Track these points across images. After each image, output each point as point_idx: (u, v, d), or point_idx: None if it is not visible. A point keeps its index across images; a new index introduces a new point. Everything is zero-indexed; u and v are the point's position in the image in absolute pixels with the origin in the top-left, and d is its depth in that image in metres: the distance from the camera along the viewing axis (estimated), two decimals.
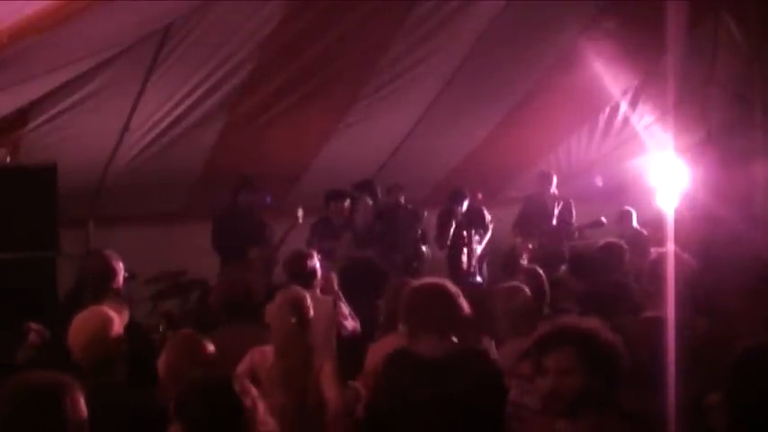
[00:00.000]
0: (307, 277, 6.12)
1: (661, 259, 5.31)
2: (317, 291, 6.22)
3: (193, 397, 3.18)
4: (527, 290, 5.47)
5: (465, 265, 9.93)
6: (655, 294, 5.01)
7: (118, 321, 4.27)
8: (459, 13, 8.71)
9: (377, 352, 4.81)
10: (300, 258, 6.31)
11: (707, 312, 4.83)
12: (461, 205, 10.16)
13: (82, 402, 2.97)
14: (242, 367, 4.74)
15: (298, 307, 4.82)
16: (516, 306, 5.36)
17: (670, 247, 5.39)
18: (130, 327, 4.78)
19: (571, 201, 10.67)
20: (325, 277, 6.60)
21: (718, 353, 3.73)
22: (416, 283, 4.39)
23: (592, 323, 3.32)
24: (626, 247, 6.96)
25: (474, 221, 10.30)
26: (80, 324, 4.22)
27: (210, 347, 4.29)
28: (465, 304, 4.24)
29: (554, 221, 10.44)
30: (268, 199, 9.21)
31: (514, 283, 5.66)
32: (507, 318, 5.38)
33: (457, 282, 4.98)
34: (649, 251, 6.26)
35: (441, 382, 3.95)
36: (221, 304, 5.75)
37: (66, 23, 5.93)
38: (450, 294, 4.22)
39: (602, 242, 7.24)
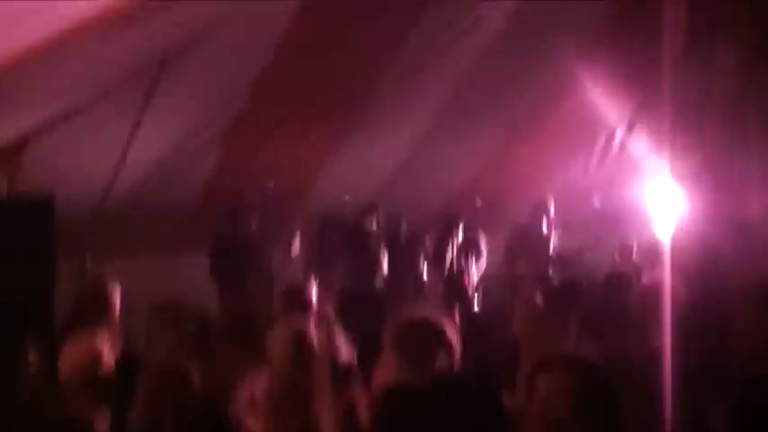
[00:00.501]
0: (302, 308, 6.12)
1: (648, 290, 5.28)
2: (311, 322, 6.19)
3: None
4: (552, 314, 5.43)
5: (462, 292, 9.91)
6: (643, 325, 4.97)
7: (108, 353, 4.24)
8: (458, 40, 8.74)
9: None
10: (296, 289, 6.30)
11: (707, 339, 4.81)
12: (456, 233, 10.17)
13: None
14: (243, 394, 4.73)
15: (301, 341, 4.79)
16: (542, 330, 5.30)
17: (666, 274, 5.38)
18: (126, 356, 4.76)
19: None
20: (321, 306, 6.58)
21: (721, 380, 3.72)
22: (406, 315, 4.42)
23: (587, 354, 3.32)
24: (632, 277, 6.90)
25: (470, 248, 10.30)
26: (69, 354, 4.22)
27: (191, 377, 4.24)
28: (454, 336, 4.25)
29: (551, 251, 10.45)
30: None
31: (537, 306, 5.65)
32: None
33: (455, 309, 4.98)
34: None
35: (440, 410, 3.92)
36: (222, 333, 5.74)
37: (63, 52, 5.95)
38: (439, 326, 4.23)
39: (606, 273, 7.18)
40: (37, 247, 7.34)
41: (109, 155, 8.40)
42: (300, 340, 4.78)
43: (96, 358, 4.16)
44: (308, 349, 4.79)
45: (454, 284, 10.05)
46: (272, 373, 4.76)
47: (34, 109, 7.13)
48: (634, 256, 10.34)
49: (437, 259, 10.24)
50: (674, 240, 8.10)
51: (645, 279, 6.11)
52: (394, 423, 4.05)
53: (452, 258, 10.15)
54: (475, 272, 10.19)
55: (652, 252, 8.78)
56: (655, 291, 5.27)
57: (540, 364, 3.26)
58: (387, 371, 4.70)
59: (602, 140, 11.29)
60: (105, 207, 9.05)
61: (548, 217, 10.58)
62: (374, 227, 9.51)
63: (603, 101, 10.03)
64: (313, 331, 6.01)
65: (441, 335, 4.21)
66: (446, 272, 10.18)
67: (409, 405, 4.04)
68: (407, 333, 4.24)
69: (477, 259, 10.31)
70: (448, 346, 4.21)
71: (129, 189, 8.93)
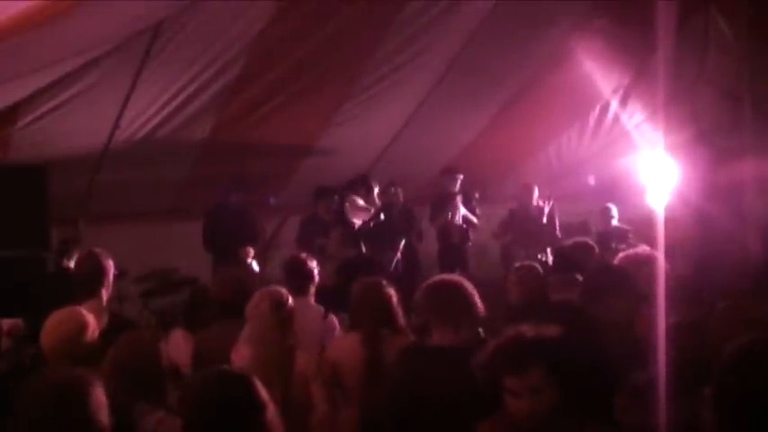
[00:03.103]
0: (302, 281, 6.15)
1: (626, 261, 5.22)
2: (311, 298, 6.19)
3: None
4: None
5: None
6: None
7: (93, 325, 4.21)
8: (448, 13, 8.70)
9: (336, 349, 4.91)
10: (298, 263, 6.33)
11: (697, 311, 4.81)
12: (456, 183, 10.21)
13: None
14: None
15: (277, 303, 4.80)
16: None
17: (660, 245, 5.38)
18: (119, 322, 4.75)
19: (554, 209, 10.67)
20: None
21: (708, 351, 3.72)
22: (434, 278, 4.49)
23: (550, 331, 3.30)
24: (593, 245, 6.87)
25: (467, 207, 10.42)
26: (53, 326, 4.15)
27: (164, 347, 4.24)
28: (479, 300, 4.33)
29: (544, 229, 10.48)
30: (271, 200, 9.21)
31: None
32: None
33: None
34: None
35: (460, 372, 3.93)
36: (215, 302, 5.75)
37: (54, 22, 5.90)
38: (466, 289, 4.31)
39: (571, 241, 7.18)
40: (29, 214, 7.35)
41: (101, 123, 8.37)
42: (277, 306, 4.80)
43: (79, 333, 4.12)
44: (285, 315, 4.81)
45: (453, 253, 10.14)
46: (250, 339, 4.79)
47: (28, 77, 7.09)
48: (614, 220, 10.45)
49: (436, 210, 10.31)
50: (667, 211, 8.12)
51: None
52: (418, 378, 4.13)
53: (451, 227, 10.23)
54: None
55: (645, 222, 8.80)
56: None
57: (510, 358, 3.25)
58: (349, 341, 4.77)
59: (595, 113, 11.26)
60: (97, 175, 9.04)
61: (533, 197, 10.57)
62: (369, 195, 9.52)
63: (598, 73, 9.99)
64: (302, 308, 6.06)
65: (469, 300, 4.29)
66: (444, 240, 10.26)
67: (434, 363, 4.10)
68: (437, 296, 4.31)
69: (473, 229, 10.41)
70: (475, 311, 4.30)
71: (121, 157, 8.91)
